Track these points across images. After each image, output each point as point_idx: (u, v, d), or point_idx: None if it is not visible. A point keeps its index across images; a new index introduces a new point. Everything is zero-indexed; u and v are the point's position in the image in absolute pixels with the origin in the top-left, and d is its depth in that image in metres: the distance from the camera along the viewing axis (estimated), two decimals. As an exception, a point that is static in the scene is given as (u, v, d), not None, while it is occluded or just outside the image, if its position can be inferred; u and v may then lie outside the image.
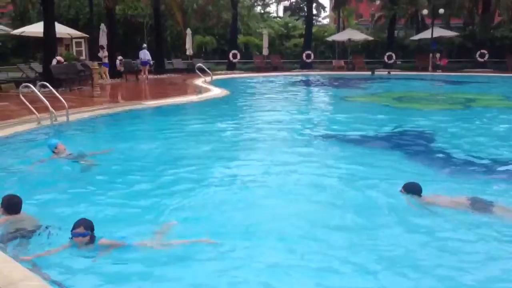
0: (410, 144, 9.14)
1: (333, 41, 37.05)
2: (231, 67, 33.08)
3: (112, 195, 5.87)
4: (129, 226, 4.84)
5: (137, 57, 25.08)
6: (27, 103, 10.62)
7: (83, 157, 7.32)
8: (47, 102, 10.39)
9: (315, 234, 4.73)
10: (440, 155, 8.15)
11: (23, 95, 10.90)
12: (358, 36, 36.04)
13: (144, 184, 6.38)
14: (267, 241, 4.57)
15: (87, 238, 4.22)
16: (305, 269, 4.04)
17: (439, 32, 32.63)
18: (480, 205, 5.21)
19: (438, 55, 31.86)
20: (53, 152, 7.15)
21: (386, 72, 29.86)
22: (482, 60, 31.93)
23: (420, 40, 35.44)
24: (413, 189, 5.54)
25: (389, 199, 5.57)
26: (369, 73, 29.41)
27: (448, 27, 35.65)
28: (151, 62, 25.01)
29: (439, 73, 29.61)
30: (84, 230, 4.22)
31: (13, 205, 4.77)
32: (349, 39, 35.48)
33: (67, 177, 6.58)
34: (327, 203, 5.69)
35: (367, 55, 35.95)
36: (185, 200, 5.73)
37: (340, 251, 4.34)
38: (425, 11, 33.47)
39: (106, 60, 22.76)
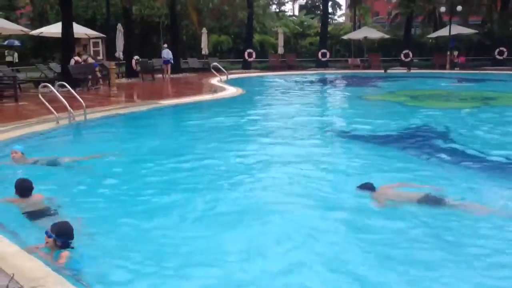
0: (427, 143, 9.05)
1: (349, 40, 36.80)
2: (247, 66, 33.12)
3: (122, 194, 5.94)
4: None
5: (154, 56, 25.56)
6: (46, 102, 10.78)
7: (55, 164, 7.10)
8: (65, 102, 10.53)
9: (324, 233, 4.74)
10: (460, 155, 8.06)
11: (42, 95, 11.08)
12: (374, 34, 35.79)
13: (154, 181, 6.48)
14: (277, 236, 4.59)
15: (51, 240, 4.01)
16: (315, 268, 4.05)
17: (457, 29, 32.21)
18: (429, 199, 5.34)
19: (456, 53, 31.47)
20: (12, 154, 7.11)
21: (406, 70, 29.60)
22: (501, 58, 31.46)
23: (437, 37, 35.02)
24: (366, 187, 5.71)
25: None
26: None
27: (466, 24, 35.15)
28: (172, 61, 25.54)
29: (457, 71, 29.25)
30: (50, 231, 4.03)
31: (24, 188, 5.27)
32: (365, 37, 35.26)
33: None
34: (338, 201, 5.69)
35: (384, 53, 35.63)
36: (193, 199, 5.77)
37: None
38: (442, 9, 33.06)
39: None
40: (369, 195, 5.57)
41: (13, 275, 3.33)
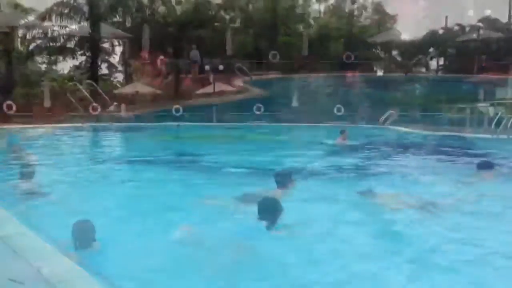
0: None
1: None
2: (269, 67, 32.95)
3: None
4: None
5: (179, 57, 26.03)
6: (73, 100, 10.94)
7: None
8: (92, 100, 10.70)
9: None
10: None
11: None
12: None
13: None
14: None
15: None
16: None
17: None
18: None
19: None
20: (12, 148, 7.05)
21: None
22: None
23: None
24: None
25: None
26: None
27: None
28: (199, 62, 26.01)
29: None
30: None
31: (28, 173, 5.94)
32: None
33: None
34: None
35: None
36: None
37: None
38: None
39: None
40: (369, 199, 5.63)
41: (39, 268, 3.38)
